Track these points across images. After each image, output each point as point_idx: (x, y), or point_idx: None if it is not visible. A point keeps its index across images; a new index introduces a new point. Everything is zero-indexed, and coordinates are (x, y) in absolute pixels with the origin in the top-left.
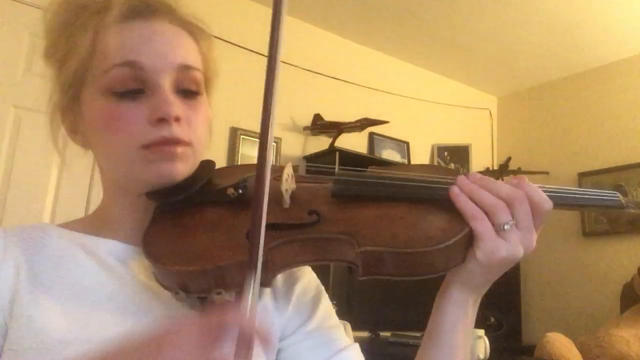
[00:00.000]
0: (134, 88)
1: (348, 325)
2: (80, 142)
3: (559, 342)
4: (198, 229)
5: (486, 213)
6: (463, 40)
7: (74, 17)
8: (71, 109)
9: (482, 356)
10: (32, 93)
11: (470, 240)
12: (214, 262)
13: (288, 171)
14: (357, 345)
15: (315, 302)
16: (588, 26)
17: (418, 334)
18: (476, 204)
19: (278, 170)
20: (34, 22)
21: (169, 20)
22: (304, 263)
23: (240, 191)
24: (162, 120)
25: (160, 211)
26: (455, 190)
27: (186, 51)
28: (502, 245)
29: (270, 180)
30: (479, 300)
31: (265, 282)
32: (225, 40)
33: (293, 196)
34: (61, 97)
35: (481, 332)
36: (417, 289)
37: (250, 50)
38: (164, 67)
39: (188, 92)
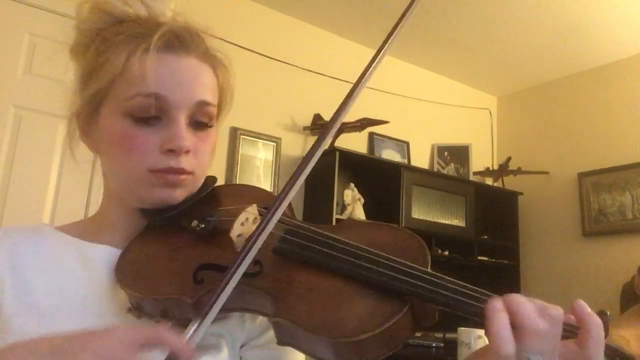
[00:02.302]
0: (153, 116)
1: None
2: (90, 145)
3: None
4: (162, 255)
5: (519, 337)
6: (463, 40)
7: (110, 33)
8: (89, 117)
9: None
10: (32, 93)
11: (392, 334)
12: (154, 294)
13: (246, 216)
14: None
15: None
16: (588, 26)
17: (418, 334)
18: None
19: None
20: (34, 22)
21: (195, 55)
22: (239, 310)
23: (203, 225)
24: (172, 151)
25: (148, 228)
26: (495, 306)
27: (206, 88)
28: None
29: (229, 221)
30: None
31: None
32: (226, 40)
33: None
34: (82, 106)
35: (481, 332)
36: None
37: (251, 51)
38: (184, 103)
39: (200, 124)
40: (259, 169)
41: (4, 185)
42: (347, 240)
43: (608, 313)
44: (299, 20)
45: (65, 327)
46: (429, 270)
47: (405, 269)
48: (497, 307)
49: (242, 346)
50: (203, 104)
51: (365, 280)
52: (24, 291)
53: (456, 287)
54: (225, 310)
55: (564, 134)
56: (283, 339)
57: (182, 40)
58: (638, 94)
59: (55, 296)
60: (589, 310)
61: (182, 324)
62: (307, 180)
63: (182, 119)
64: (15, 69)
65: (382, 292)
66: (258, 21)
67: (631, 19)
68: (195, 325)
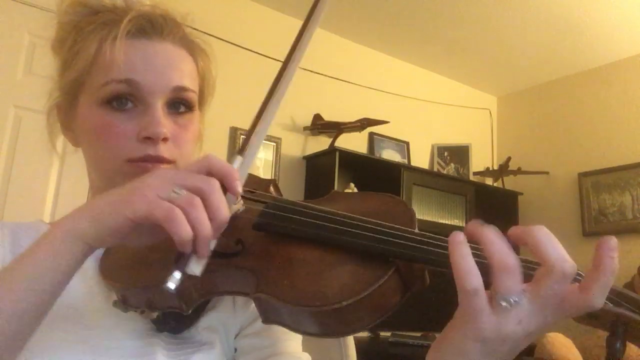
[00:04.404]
0: (128, 103)
1: None
2: (71, 139)
3: (559, 342)
4: (145, 246)
5: (485, 275)
6: (463, 40)
7: (85, 22)
8: (68, 108)
9: None
10: (32, 93)
11: (379, 300)
12: (136, 282)
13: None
14: (306, 355)
15: None
16: (588, 26)
17: (418, 334)
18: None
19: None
20: (34, 22)
21: (171, 40)
22: (224, 293)
23: None
24: (150, 139)
25: None
26: (457, 238)
27: (183, 73)
28: (491, 322)
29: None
30: None
31: (186, 309)
32: (225, 40)
33: (234, 219)
34: (60, 97)
35: None
36: None
37: (251, 51)
38: (159, 88)
39: (179, 111)
40: (259, 169)
41: (4, 185)
42: (327, 209)
43: None
44: (298, 21)
45: (54, 317)
46: (414, 229)
47: (386, 229)
48: (456, 239)
49: (236, 336)
50: (180, 89)
51: (347, 245)
52: None
53: (442, 243)
54: (212, 294)
55: (564, 134)
56: (267, 316)
57: (154, 24)
58: (638, 94)
59: None
60: (616, 252)
61: (168, 315)
62: (307, 180)
63: (159, 105)
64: (15, 69)
65: (365, 256)
66: (258, 21)
67: (631, 19)
68: (238, 160)
